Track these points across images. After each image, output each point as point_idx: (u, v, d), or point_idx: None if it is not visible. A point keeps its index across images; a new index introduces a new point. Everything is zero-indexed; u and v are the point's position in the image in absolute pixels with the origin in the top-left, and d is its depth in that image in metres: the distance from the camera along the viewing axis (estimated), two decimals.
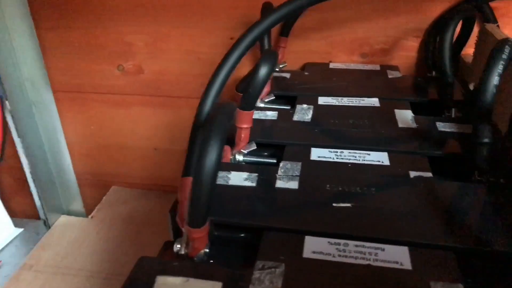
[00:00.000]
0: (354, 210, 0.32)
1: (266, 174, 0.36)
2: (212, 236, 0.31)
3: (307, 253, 0.28)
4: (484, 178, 0.35)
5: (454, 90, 0.48)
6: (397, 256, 0.27)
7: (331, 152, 0.40)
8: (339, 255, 0.28)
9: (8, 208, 0.80)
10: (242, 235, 0.32)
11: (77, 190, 0.87)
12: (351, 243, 0.28)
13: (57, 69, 0.75)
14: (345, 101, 0.50)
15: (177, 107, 0.74)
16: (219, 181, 0.36)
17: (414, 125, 0.44)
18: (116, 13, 0.68)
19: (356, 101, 0.50)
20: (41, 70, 0.74)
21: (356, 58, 0.65)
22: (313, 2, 0.38)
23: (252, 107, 0.40)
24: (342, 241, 0.28)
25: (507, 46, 0.34)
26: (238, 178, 0.36)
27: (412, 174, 0.36)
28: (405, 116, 0.46)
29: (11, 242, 0.75)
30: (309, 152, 0.40)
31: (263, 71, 0.36)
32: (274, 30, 0.63)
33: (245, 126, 0.40)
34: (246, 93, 0.38)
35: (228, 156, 0.40)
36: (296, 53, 0.65)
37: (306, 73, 0.60)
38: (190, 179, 0.28)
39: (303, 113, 0.47)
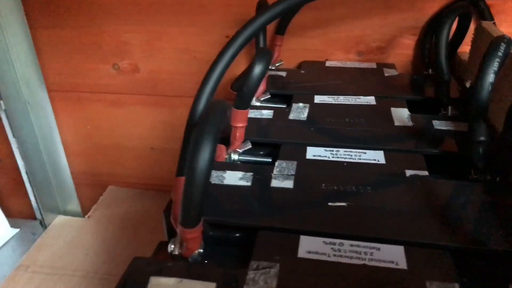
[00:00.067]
0: (349, 209, 0.32)
1: (261, 174, 0.36)
2: (206, 236, 0.30)
3: (302, 253, 0.28)
4: (480, 176, 0.35)
5: (450, 88, 0.48)
6: (393, 255, 0.27)
7: (327, 151, 0.39)
8: (334, 255, 0.27)
9: (4, 209, 0.80)
10: (237, 235, 0.32)
11: (73, 190, 0.86)
12: (347, 242, 0.28)
13: (52, 68, 0.74)
14: (341, 99, 0.50)
15: (173, 106, 0.74)
16: (214, 180, 0.35)
17: (410, 124, 0.44)
18: (112, 11, 0.67)
19: (352, 100, 0.50)
20: (35, 69, 0.73)
21: (352, 56, 0.65)
22: (308, 0, 0.37)
23: (247, 105, 0.39)
24: (338, 241, 0.28)
25: (502, 43, 0.34)
26: (233, 178, 0.36)
27: (408, 172, 0.36)
28: (401, 115, 0.46)
29: (7, 242, 0.75)
30: (304, 151, 0.40)
31: (257, 69, 0.35)
32: (270, 28, 0.63)
33: (240, 125, 0.40)
34: (241, 92, 0.38)
35: (223, 155, 0.40)
36: (292, 51, 0.65)
37: (302, 72, 0.60)
38: (184, 179, 0.28)
39: (299, 111, 0.47)
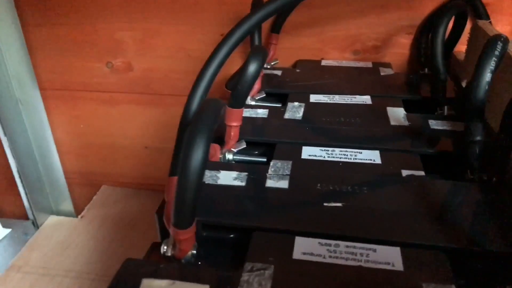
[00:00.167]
0: (345, 210, 0.31)
1: (256, 173, 0.36)
2: (200, 237, 0.30)
3: (297, 254, 0.27)
4: (477, 176, 0.35)
5: (446, 87, 0.47)
6: (389, 257, 0.27)
7: (322, 150, 0.39)
8: (330, 256, 0.27)
9: None
10: (231, 235, 0.32)
11: (66, 189, 0.85)
12: (342, 243, 0.28)
13: (44, 66, 0.73)
14: (337, 98, 0.50)
15: (167, 104, 0.74)
16: (208, 180, 0.35)
17: (406, 123, 0.44)
18: (105, 9, 0.67)
19: (348, 99, 0.49)
20: (27, 67, 0.72)
21: (348, 55, 0.65)
22: None
23: (242, 104, 0.39)
24: (333, 242, 0.28)
25: (499, 42, 0.34)
26: (227, 178, 0.35)
27: (404, 172, 0.36)
28: (397, 114, 0.45)
29: None
30: (300, 151, 0.39)
31: (252, 67, 0.35)
32: (265, 27, 0.62)
33: (234, 124, 0.39)
34: (236, 91, 0.37)
35: (217, 155, 0.39)
36: (287, 50, 0.65)
37: (298, 71, 0.60)
38: (176, 179, 0.27)
39: (294, 111, 0.47)
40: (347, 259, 0.27)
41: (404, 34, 0.62)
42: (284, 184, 0.34)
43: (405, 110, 0.46)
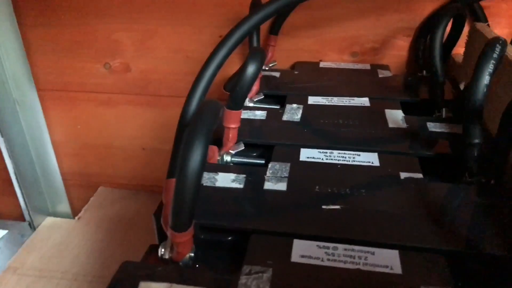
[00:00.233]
0: (343, 212, 0.31)
1: (254, 175, 0.36)
2: (197, 240, 0.30)
3: (295, 257, 0.27)
4: (475, 179, 0.35)
5: (444, 89, 0.48)
6: (387, 260, 0.27)
7: (321, 152, 0.39)
8: (328, 259, 0.27)
9: None
10: (229, 238, 0.31)
11: (63, 191, 0.85)
12: (340, 246, 0.28)
13: (42, 67, 0.73)
14: (335, 100, 0.49)
15: (165, 106, 0.73)
16: (206, 182, 0.35)
17: (404, 125, 0.44)
18: (103, 10, 0.67)
19: (346, 101, 0.49)
20: (25, 68, 0.72)
21: (346, 57, 0.65)
22: None
23: (240, 106, 0.39)
24: (331, 245, 0.28)
25: (498, 45, 0.34)
26: (225, 180, 0.35)
27: (403, 175, 0.35)
28: (395, 116, 0.45)
29: None
30: (298, 153, 0.39)
31: (250, 69, 0.35)
32: (264, 28, 0.62)
33: (233, 126, 0.39)
34: (234, 92, 0.37)
35: (215, 157, 0.39)
36: (286, 52, 0.65)
37: (296, 72, 0.60)
38: (174, 181, 0.27)
39: (293, 112, 0.47)
40: (345, 262, 0.27)
41: (402, 36, 0.62)
42: (282, 186, 0.34)
43: (403, 112, 0.46)
